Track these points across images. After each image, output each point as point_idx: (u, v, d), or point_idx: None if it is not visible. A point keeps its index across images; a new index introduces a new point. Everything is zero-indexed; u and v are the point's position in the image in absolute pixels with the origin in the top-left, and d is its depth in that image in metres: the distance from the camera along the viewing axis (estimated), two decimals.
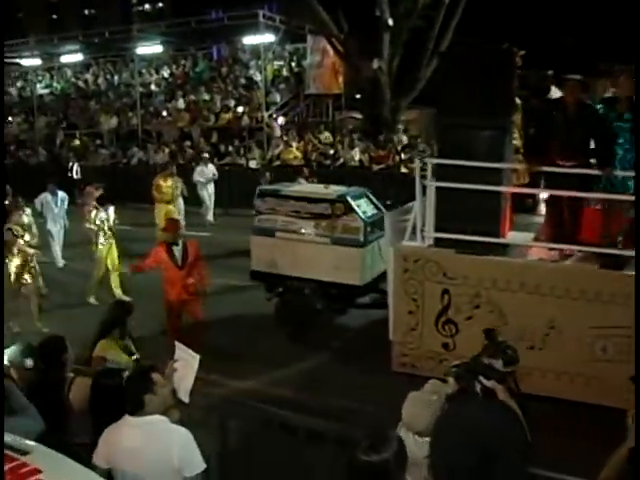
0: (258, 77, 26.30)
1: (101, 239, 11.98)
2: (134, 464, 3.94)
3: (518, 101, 8.23)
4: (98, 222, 11.94)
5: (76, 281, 13.14)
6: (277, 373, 8.83)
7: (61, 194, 15.04)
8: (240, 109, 25.53)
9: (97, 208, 12.06)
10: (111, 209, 12.21)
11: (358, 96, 24.78)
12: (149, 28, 27.59)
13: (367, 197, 10.45)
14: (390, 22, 21.50)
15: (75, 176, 23.17)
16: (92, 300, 11.90)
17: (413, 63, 22.00)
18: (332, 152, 21.51)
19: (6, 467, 3.33)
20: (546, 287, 7.43)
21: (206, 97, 26.97)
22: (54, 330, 9.65)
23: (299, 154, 21.72)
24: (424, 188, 8.25)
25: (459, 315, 7.88)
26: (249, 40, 26.30)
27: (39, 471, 3.32)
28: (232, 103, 26.07)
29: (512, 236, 8.28)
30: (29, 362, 4.89)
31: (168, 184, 16.21)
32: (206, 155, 20.26)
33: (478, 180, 7.52)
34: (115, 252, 12.18)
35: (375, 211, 10.19)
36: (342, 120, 25.65)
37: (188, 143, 24.44)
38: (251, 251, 10.72)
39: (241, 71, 28.44)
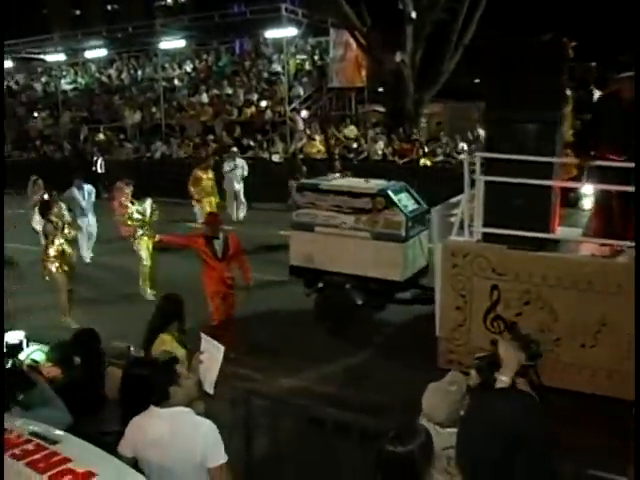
0: (281, 71, 26.09)
1: (140, 233, 11.82)
2: (159, 454, 3.96)
3: (569, 92, 7.94)
4: (136, 216, 11.77)
5: (105, 276, 13.13)
6: (320, 369, 8.63)
7: (88, 187, 14.92)
8: (263, 103, 25.28)
9: (133, 203, 11.91)
10: (148, 203, 12.03)
11: (381, 89, 24.61)
12: (172, 23, 27.45)
13: (407, 191, 10.19)
14: (413, 15, 21.26)
15: (99, 170, 23.13)
16: (149, 296, 11.67)
17: (436, 56, 21.75)
18: (355, 146, 21.34)
19: (37, 456, 3.42)
20: (598, 284, 7.15)
21: (229, 91, 26.71)
22: (85, 325, 9.64)
23: (322, 147, 21.54)
24: (472, 182, 7.97)
25: (508, 311, 7.63)
26: (272, 34, 26.08)
27: (69, 460, 3.40)
28: (255, 97, 25.83)
29: (561, 231, 8.00)
30: (77, 359, 4.82)
31: (209, 176, 16.01)
32: (235, 149, 19.93)
33: (528, 174, 7.25)
34: (151, 246, 11.97)
35: (416, 205, 9.96)
36: (365, 113, 25.44)
37: (211, 137, 24.34)
38: (290, 246, 10.49)
39: (264, 65, 28.16)
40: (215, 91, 27.14)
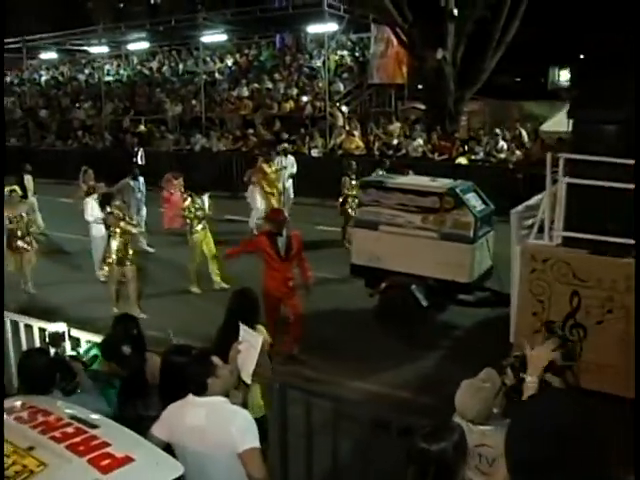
0: (321, 66, 25.90)
1: (196, 227, 11.66)
2: (195, 442, 3.99)
3: None
4: (193, 210, 11.62)
5: (159, 268, 13.02)
6: (390, 373, 8.27)
7: (141, 179, 15.01)
8: (303, 98, 25.10)
9: (191, 196, 11.74)
10: (205, 196, 11.88)
11: (421, 86, 24.23)
12: (214, 16, 27.39)
13: (475, 191, 9.83)
14: (455, 11, 20.96)
15: (139, 162, 23.23)
16: (195, 289, 11.70)
17: (477, 54, 21.45)
18: (395, 142, 21.24)
19: (77, 439, 3.46)
20: None
21: (269, 85, 26.54)
22: (152, 317, 9.69)
23: (361, 143, 21.35)
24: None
25: (589, 319, 7.20)
26: (313, 29, 26.02)
27: (108, 444, 3.43)
28: (295, 92, 25.64)
29: None
30: (126, 349, 4.76)
31: (272, 169, 15.83)
32: (286, 145, 19.35)
33: (613, 177, 6.81)
34: (211, 239, 11.85)
35: (484, 206, 9.62)
36: (405, 110, 25.22)
37: (251, 131, 24.22)
38: (352, 244, 10.26)
39: (304, 60, 28.02)
40: (255, 85, 26.99)
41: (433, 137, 20.29)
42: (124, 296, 10.71)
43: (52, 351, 5.35)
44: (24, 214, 11.85)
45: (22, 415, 3.75)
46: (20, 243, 11.63)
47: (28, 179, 16.15)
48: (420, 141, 20.49)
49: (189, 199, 11.74)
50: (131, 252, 10.68)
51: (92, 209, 11.95)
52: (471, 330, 9.64)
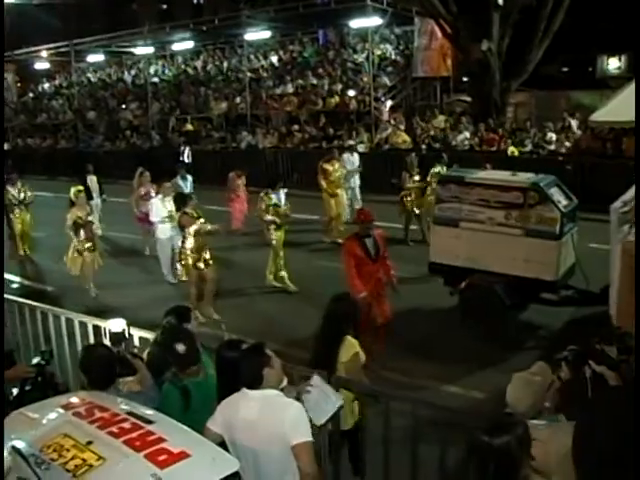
0: (365, 61, 25.86)
1: (274, 226, 11.35)
2: (248, 435, 3.99)
3: None
4: (271, 208, 11.29)
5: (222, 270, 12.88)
6: (488, 378, 7.71)
7: (190, 178, 15.16)
8: (348, 93, 25.06)
9: (267, 193, 11.37)
10: (282, 193, 11.57)
11: (466, 79, 24.05)
12: (257, 14, 27.50)
13: (558, 186, 9.45)
14: (500, 2, 20.67)
15: (186, 160, 23.51)
16: (291, 287, 11.49)
17: (523, 44, 21.16)
18: (442, 136, 21.08)
19: (133, 434, 3.50)
20: None
21: (313, 81, 26.57)
22: (227, 319, 9.58)
23: (407, 138, 21.26)
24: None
25: None
26: (356, 23, 25.85)
27: (163, 439, 3.46)
28: (339, 87, 25.62)
29: None
30: (180, 347, 4.70)
31: (335, 167, 15.10)
32: (352, 142, 18.67)
33: None
34: (283, 237, 11.63)
35: (568, 201, 9.25)
36: (450, 103, 25.03)
37: (296, 127, 24.40)
38: (430, 241, 10.10)
39: (348, 55, 27.95)
40: (300, 81, 27.07)
41: (480, 129, 20.04)
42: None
43: (113, 349, 5.30)
44: (90, 217, 11.85)
45: (81, 410, 3.81)
46: (87, 245, 11.67)
47: (92, 180, 16.15)
48: (467, 134, 20.32)
49: (266, 197, 11.36)
50: (208, 253, 10.36)
51: (157, 209, 11.90)
52: (560, 331, 9.14)
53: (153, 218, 12.15)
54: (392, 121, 22.59)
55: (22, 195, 15.07)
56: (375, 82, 24.51)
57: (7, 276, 12.79)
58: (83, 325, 7.01)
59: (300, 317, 9.78)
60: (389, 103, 24.42)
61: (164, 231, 12.00)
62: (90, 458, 3.34)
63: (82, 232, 11.60)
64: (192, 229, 10.09)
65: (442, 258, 9.66)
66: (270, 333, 9.03)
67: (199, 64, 33.35)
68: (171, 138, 27.51)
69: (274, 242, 11.45)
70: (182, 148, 23.80)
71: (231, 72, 31.01)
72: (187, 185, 15.00)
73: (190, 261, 10.17)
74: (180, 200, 10.67)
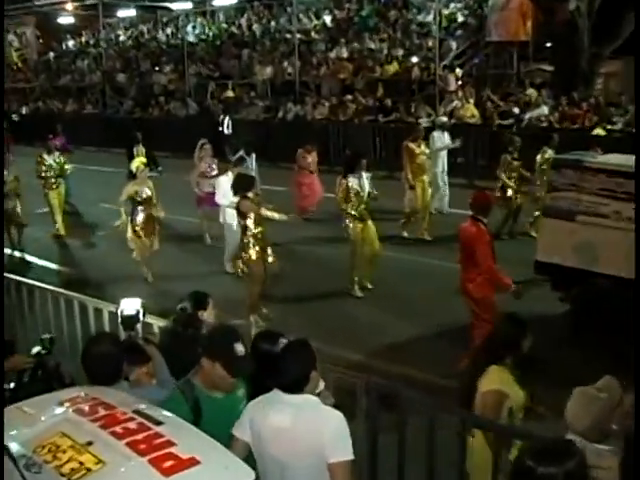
0: (431, 22, 25.58)
1: (354, 216, 10.94)
2: (278, 446, 3.96)
3: None
4: (352, 194, 10.85)
5: (290, 266, 12.21)
6: None
7: (253, 155, 15.26)
8: (411, 59, 24.90)
9: (345, 176, 10.92)
10: (365, 176, 11.06)
11: (549, 44, 23.69)
12: None
13: None
14: None
15: (226, 131, 23.59)
16: (357, 292, 11.21)
17: (618, 2, 20.66)
18: (517, 110, 20.76)
19: (139, 436, 3.45)
20: None
21: (371, 45, 26.40)
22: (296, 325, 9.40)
23: (476, 112, 21.07)
24: None
25: None
26: None
27: (172, 443, 3.40)
28: (400, 52, 25.40)
29: None
30: (240, 348, 4.32)
31: (422, 150, 14.52)
32: (444, 119, 17.95)
33: None
34: (373, 232, 11.19)
35: None
36: (529, 72, 24.51)
37: (350, 97, 24.24)
38: (539, 237, 9.89)
39: (412, 15, 27.77)
40: (356, 45, 26.95)
41: (562, 104, 19.67)
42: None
43: (124, 334, 5.45)
44: (151, 194, 11.95)
45: (83, 407, 3.79)
46: (146, 227, 11.87)
47: (140, 151, 16.23)
48: (544, 109, 20.05)
49: (345, 181, 10.92)
50: (270, 246, 10.06)
51: (226, 191, 11.37)
52: None
53: (221, 200, 12.04)
54: (460, 92, 22.30)
55: (57, 166, 15.27)
56: (442, 47, 24.21)
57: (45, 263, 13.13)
58: (99, 311, 7.07)
59: (382, 323, 9.84)
60: (457, 71, 24.10)
61: (233, 216, 11.41)
62: (88, 461, 3.31)
63: (140, 212, 11.78)
64: (252, 217, 9.80)
65: (552, 257, 9.29)
66: (347, 341, 9.12)
67: (243, 23, 33.35)
68: (210, 106, 27.62)
69: (353, 237, 11.13)
70: (222, 117, 23.88)
71: (278, 33, 30.99)
72: (251, 165, 14.93)
73: (254, 255, 9.81)
74: (244, 182, 10.25)
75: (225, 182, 11.86)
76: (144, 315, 5.47)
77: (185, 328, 5.54)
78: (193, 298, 5.79)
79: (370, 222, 11.18)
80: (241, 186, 10.05)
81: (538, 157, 13.59)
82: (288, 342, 4.44)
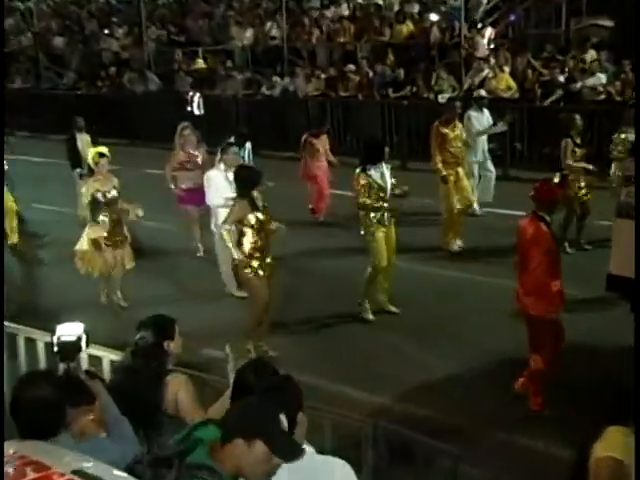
0: None
1: (375, 218, 10.92)
2: None
3: None
4: (375, 189, 10.83)
5: (296, 282, 12.58)
6: None
7: (248, 145, 14.93)
8: (428, 17, 24.75)
9: (364, 169, 10.83)
10: (385, 167, 11.00)
11: None
12: None
13: None
14: None
15: (196, 111, 23.48)
16: (369, 315, 11.28)
17: None
18: (563, 79, 20.57)
19: None
20: None
21: (378, 0, 26.37)
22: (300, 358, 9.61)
23: (513, 83, 21.04)
24: None
25: None
26: None
27: None
28: (416, 8, 25.32)
29: None
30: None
31: (456, 133, 14.41)
32: (483, 92, 17.88)
33: None
34: (394, 239, 11.21)
35: None
36: (581, 30, 24.39)
37: (352, 67, 24.07)
38: (614, 243, 9.90)
39: None
40: (359, 0, 26.91)
41: (626, 70, 19.49)
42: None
43: (62, 367, 5.28)
44: (115, 193, 11.57)
45: (7, 470, 3.76)
46: (116, 238, 11.52)
47: (83, 140, 16.15)
48: (601, 77, 19.95)
49: (363, 173, 10.84)
50: (270, 257, 10.06)
51: (218, 187, 11.57)
52: None
53: (213, 200, 11.90)
54: (492, 59, 22.13)
55: None
56: (469, 1, 23.99)
57: None
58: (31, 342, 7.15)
59: (403, 353, 9.99)
60: (488, 31, 23.89)
61: None
62: None
63: (104, 215, 11.34)
64: (252, 221, 9.68)
65: (630, 270, 9.06)
66: (367, 381, 9.14)
67: None
68: (175, 79, 27.38)
69: (375, 247, 11.02)
70: (190, 94, 23.75)
71: None
72: (247, 156, 14.66)
73: (250, 270, 9.80)
74: (250, 176, 10.10)
75: (216, 177, 11.87)
76: (87, 344, 5.39)
77: (146, 363, 5.62)
78: (155, 324, 5.77)
79: (393, 225, 11.19)
80: (247, 182, 9.91)
81: (614, 137, 13.47)
82: (268, 380, 4.45)
